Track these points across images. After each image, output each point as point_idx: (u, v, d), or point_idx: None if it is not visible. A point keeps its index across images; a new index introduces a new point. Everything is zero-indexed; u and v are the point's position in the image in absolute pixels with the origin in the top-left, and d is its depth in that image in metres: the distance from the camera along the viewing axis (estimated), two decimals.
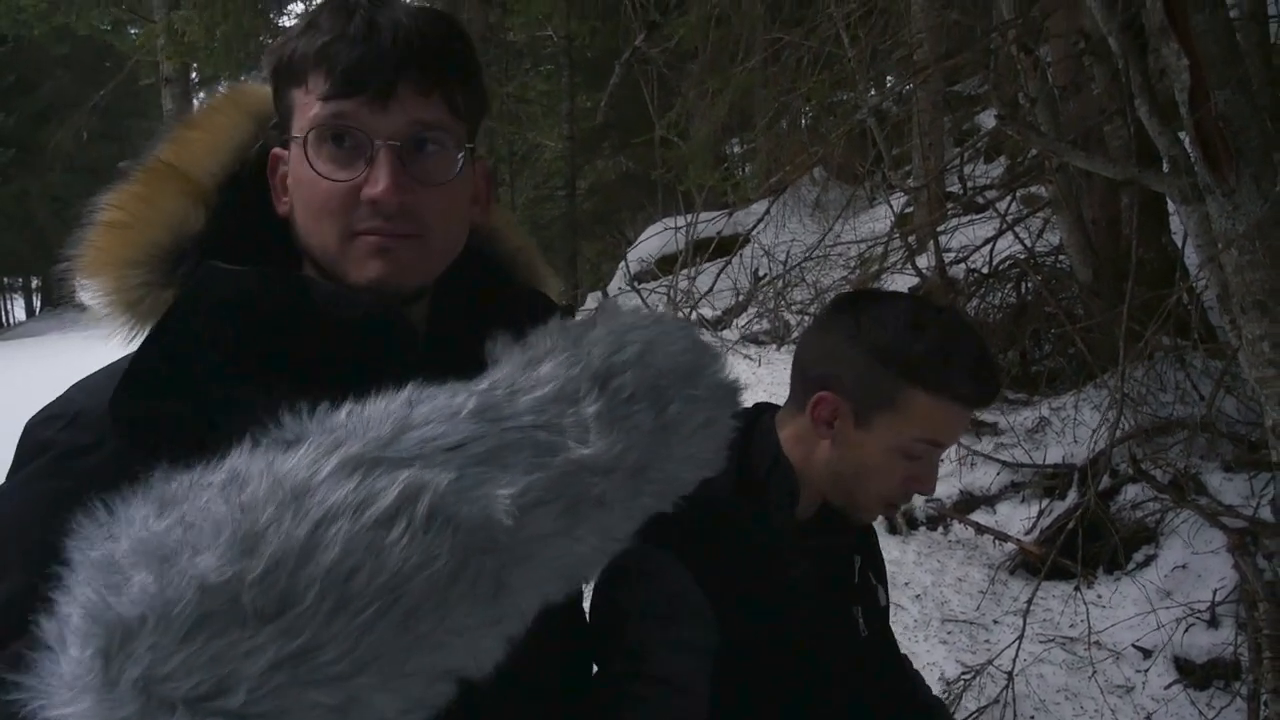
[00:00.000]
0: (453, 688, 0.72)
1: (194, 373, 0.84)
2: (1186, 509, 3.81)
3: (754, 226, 7.84)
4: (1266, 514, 3.47)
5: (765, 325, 7.49)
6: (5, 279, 31.26)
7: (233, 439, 0.74)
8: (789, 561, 1.30)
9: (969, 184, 6.74)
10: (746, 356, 6.68)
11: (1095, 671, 3.49)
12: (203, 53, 9.91)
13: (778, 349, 6.98)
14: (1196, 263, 3.39)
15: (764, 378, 6.04)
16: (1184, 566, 3.75)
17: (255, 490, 0.68)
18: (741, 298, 8.11)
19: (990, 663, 3.49)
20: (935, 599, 4.11)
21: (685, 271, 8.03)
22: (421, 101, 0.90)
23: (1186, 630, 3.48)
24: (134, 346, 0.88)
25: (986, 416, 4.82)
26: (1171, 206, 4.03)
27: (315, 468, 0.70)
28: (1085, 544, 3.85)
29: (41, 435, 0.88)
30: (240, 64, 10.44)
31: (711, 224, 7.68)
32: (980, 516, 4.50)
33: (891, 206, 7.59)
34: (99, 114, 14.16)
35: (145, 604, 0.63)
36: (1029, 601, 3.57)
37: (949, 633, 3.89)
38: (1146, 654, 3.55)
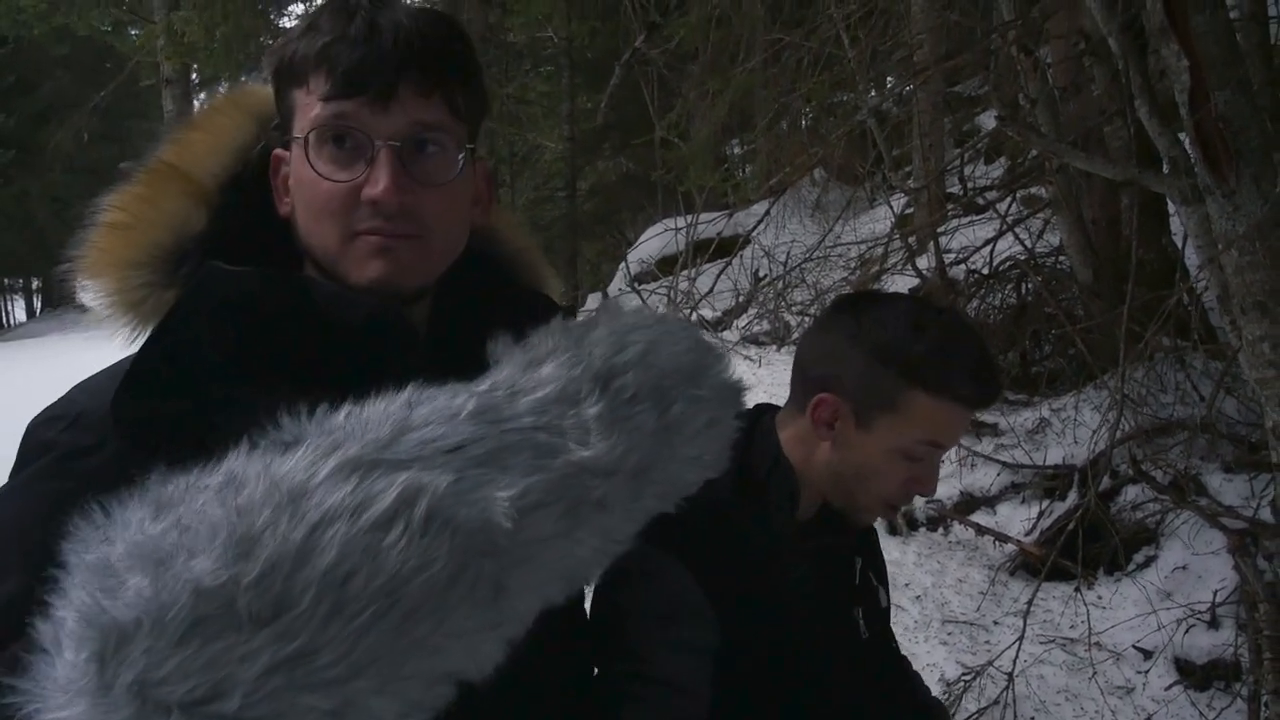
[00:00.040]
0: (452, 690, 0.72)
1: (195, 373, 0.84)
2: (1187, 510, 3.81)
3: (754, 227, 7.84)
4: (1267, 515, 3.47)
5: (765, 326, 7.50)
6: (5, 280, 31.26)
7: (234, 440, 0.74)
8: (789, 563, 1.30)
9: (969, 185, 6.74)
10: (747, 357, 6.68)
11: (1095, 672, 3.49)
12: (202, 53, 9.90)
13: (778, 350, 6.98)
14: (1197, 263, 3.39)
15: (764, 379, 6.04)
16: (1184, 567, 3.75)
17: (252, 493, 0.68)
18: (742, 299, 8.11)
19: (990, 664, 3.49)
20: (935, 600, 4.11)
21: (685, 272, 8.03)
22: (422, 102, 0.91)
23: (1187, 631, 3.48)
24: (136, 347, 0.88)
25: (987, 417, 4.82)
26: (1172, 207, 4.03)
27: (313, 470, 0.70)
28: (1085, 545, 3.85)
29: (44, 436, 0.88)
30: (240, 65, 10.43)
31: (712, 225, 7.69)
32: (980, 517, 4.50)
33: (892, 207, 7.59)
34: (99, 115, 14.16)
35: (140, 608, 0.62)
36: (1029, 602, 3.57)
37: (949, 634, 3.89)
38: (1147, 655, 3.55)
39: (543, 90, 14.46)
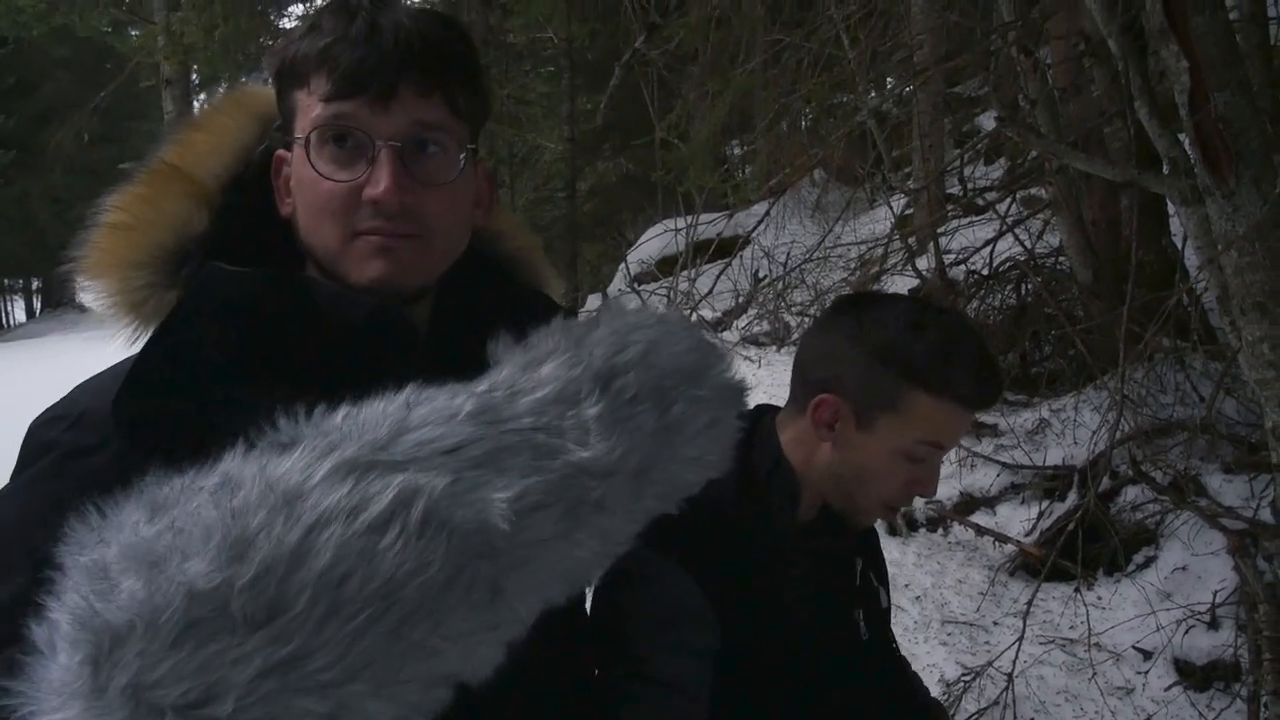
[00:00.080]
0: (450, 693, 0.72)
1: (197, 374, 0.84)
2: (1186, 511, 3.81)
3: (754, 228, 7.84)
4: (1267, 516, 3.47)
5: (765, 327, 7.50)
6: (6, 280, 31.24)
7: (235, 440, 0.74)
8: (790, 564, 1.30)
9: (969, 186, 6.74)
10: (746, 358, 6.68)
11: (1095, 673, 3.49)
12: (201, 54, 9.90)
13: (778, 351, 6.98)
14: (1196, 264, 3.39)
15: (764, 379, 6.04)
16: (1184, 568, 3.75)
17: (247, 495, 0.68)
18: (741, 299, 8.11)
19: (990, 664, 3.49)
20: (935, 600, 4.11)
21: (685, 273, 8.03)
22: (423, 102, 0.91)
23: (1186, 632, 3.48)
24: (137, 348, 0.88)
25: (986, 418, 4.82)
26: (1171, 208, 4.02)
27: (309, 472, 0.70)
28: (1085, 546, 3.85)
29: (46, 436, 0.88)
30: (239, 65, 10.44)
31: (711, 225, 7.68)
32: (980, 518, 4.50)
33: (891, 208, 7.59)
34: (99, 116, 14.16)
35: (133, 610, 0.62)
36: (1029, 603, 3.57)
37: (949, 634, 3.89)
38: (1146, 656, 3.55)
39: (543, 91, 14.45)
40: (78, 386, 0.93)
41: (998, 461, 4.62)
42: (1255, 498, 3.66)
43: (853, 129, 6.61)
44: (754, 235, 7.86)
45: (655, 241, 9.67)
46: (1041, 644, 3.70)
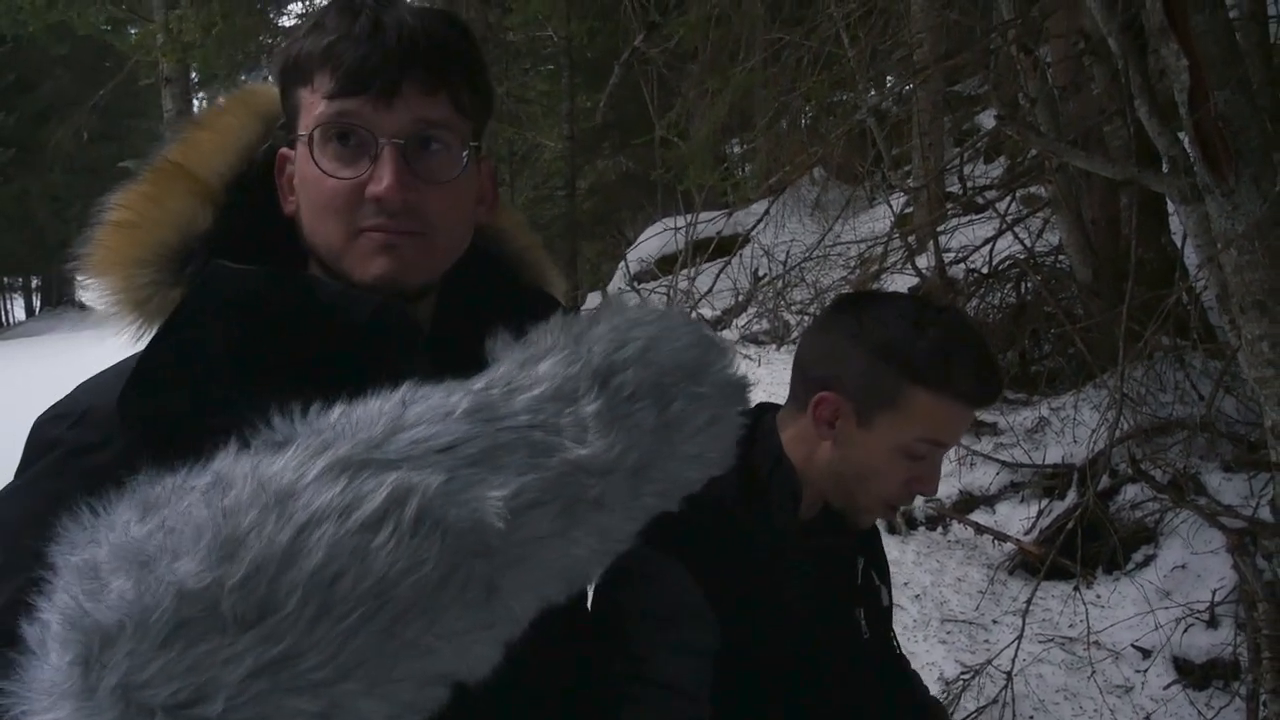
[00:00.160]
0: (445, 692, 0.72)
1: (201, 371, 0.84)
2: (1186, 509, 3.81)
3: (754, 226, 7.84)
4: (1266, 514, 3.47)
5: (765, 325, 7.49)
6: (5, 279, 31.23)
7: (238, 438, 0.74)
8: (791, 563, 1.30)
9: (969, 184, 6.73)
10: (746, 357, 6.68)
11: (1094, 671, 3.49)
12: (199, 52, 9.89)
13: (777, 349, 6.98)
14: (1196, 263, 3.39)
15: (764, 378, 6.04)
16: (1183, 566, 3.75)
17: (239, 494, 0.68)
18: (741, 298, 8.11)
19: (989, 663, 3.49)
20: (934, 599, 4.11)
21: (685, 271, 8.02)
22: (426, 100, 0.91)
23: (1185, 630, 3.49)
24: (141, 345, 0.88)
25: (986, 416, 4.83)
26: (1171, 206, 4.03)
27: (301, 471, 0.70)
28: (1084, 544, 3.85)
29: (49, 433, 0.88)
30: (238, 64, 10.42)
31: (711, 224, 7.68)
32: (979, 516, 4.50)
33: (891, 206, 7.58)
34: (99, 114, 14.14)
35: (123, 610, 0.63)
36: (1028, 601, 3.57)
37: (948, 633, 3.89)
38: (1146, 654, 3.56)
39: (542, 89, 14.44)
40: (81, 385, 0.93)
41: (997, 460, 4.62)
42: (1254, 496, 3.66)
43: (852, 127, 6.61)
44: (753, 234, 7.87)
45: (655, 240, 9.66)
46: (1041, 642, 3.71)
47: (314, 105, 0.91)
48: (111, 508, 0.69)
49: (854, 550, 1.43)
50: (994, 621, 3.96)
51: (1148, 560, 3.92)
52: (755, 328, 7.55)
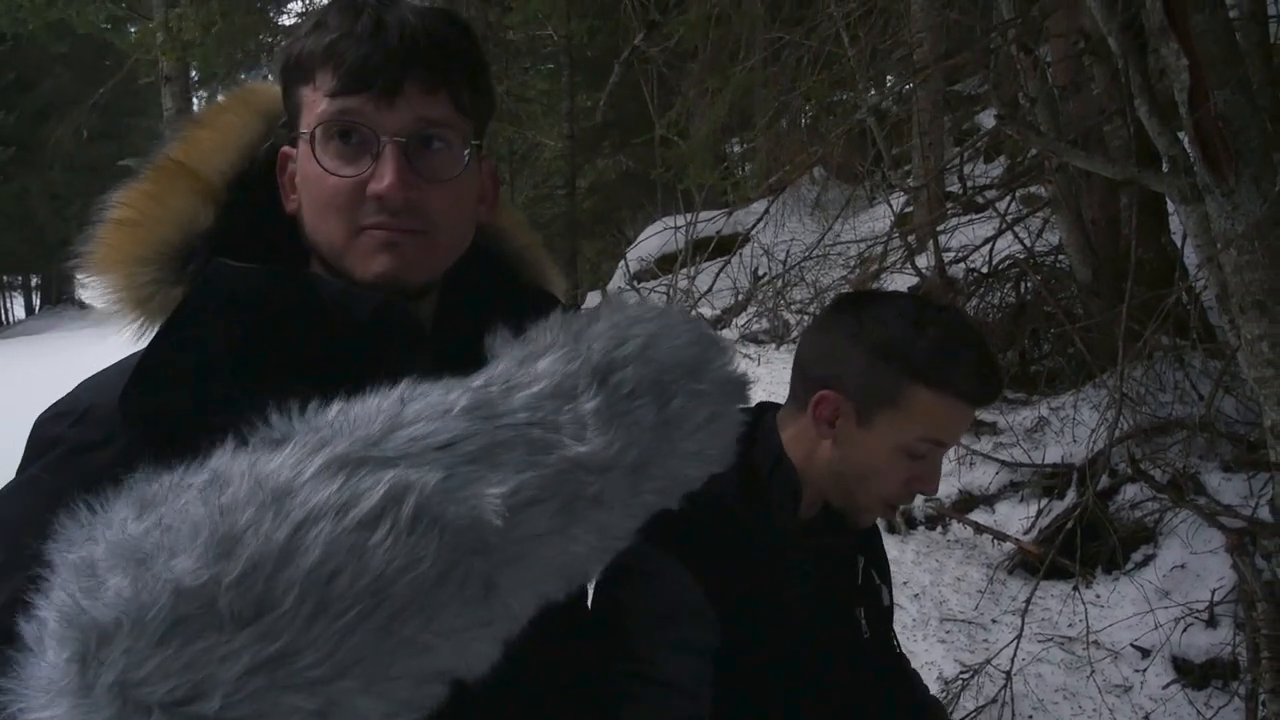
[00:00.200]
0: (443, 690, 0.72)
1: (203, 369, 0.84)
2: (1185, 509, 3.81)
3: (753, 226, 7.85)
4: (1265, 514, 3.47)
5: (765, 324, 7.49)
6: (5, 277, 31.24)
7: (239, 436, 0.74)
8: (791, 562, 1.30)
9: (968, 184, 6.73)
10: (746, 356, 6.68)
11: (1093, 671, 3.49)
12: (198, 50, 9.89)
13: (777, 348, 6.98)
14: (1196, 263, 3.40)
15: (763, 377, 6.05)
16: (1182, 566, 3.75)
17: (236, 492, 0.68)
18: (741, 297, 8.11)
19: (988, 662, 3.49)
20: (934, 598, 4.11)
21: (685, 271, 8.03)
22: (428, 99, 0.91)
23: (1185, 630, 3.49)
24: (143, 344, 0.88)
25: (986, 416, 4.83)
26: (1171, 206, 4.03)
27: (299, 468, 0.70)
28: (1084, 544, 3.85)
29: (51, 432, 0.88)
30: (238, 62, 10.43)
31: (711, 223, 7.68)
32: (979, 516, 4.50)
33: (891, 206, 7.59)
34: (99, 112, 14.15)
35: (120, 608, 0.63)
36: (1027, 601, 3.57)
37: (947, 632, 3.89)
38: (1145, 654, 3.56)
39: (542, 88, 14.44)
40: (82, 383, 0.93)
41: (997, 459, 4.63)
42: (1254, 496, 3.66)
43: (852, 127, 6.62)
44: (753, 233, 7.87)
45: (655, 239, 9.67)
46: (1040, 642, 3.71)
47: (316, 103, 0.91)
48: (109, 505, 0.69)
49: (854, 549, 1.43)
50: (993, 621, 3.96)
51: (1147, 560, 3.92)
52: (755, 327, 7.56)
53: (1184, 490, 3.86)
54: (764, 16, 6.61)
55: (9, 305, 32.57)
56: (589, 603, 1.20)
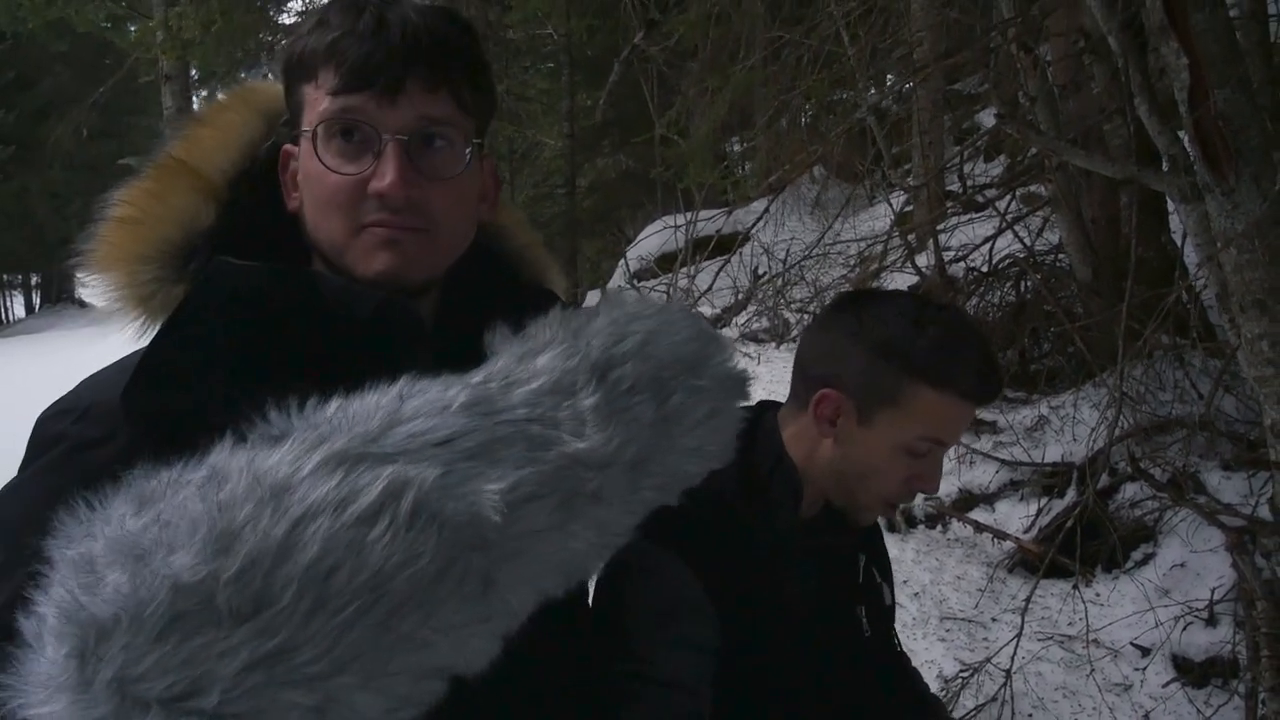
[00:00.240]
0: (442, 685, 0.72)
1: (204, 367, 0.84)
2: (1185, 507, 3.81)
3: (753, 225, 7.85)
4: (1265, 513, 3.47)
5: (765, 323, 7.49)
6: (5, 276, 31.24)
7: (235, 432, 0.74)
8: (791, 561, 1.30)
9: (968, 182, 6.73)
10: (746, 355, 6.68)
11: (1093, 669, 3.49)
12: (198, 49, 9.89)
13: (777, 347, 6.98)
14: (1196, 261, 3.40)
15: (763, 376, 6.05)
16: (1182, 565, 3.75)
17: (234, 488, 0.68)
18: (741, 296, 8.11)
19: (988, 661, 3.49)
20: (934, 597, 4.11)
21: (685, 269, 8.03)
22: (429, 97, 0.91)
23: (1185, 628, 3.49)
24: (145, 342, 0.88)
25: (985, 415, 4.83)
26: (1171, 205, 4.03)
27: (297, 465, 0.70)
28: (1084, 542, 3.85)
29: (53, 429, 0.88)
30: (237, 61, 10.42)
31: (711, 222, 7.69)
32: (979, 515, 4.50)
33: (891, 205, 7.59)
34: (98, 111, 14.15)
35: (118, 604, 0.63)
36: (1027, 599, 3.58)
37: (947, 630, 3.89)
38: (1145, 652, 3.56)
39: (542, 87, 14.44)
40: (84, 381, 0.93)
41: (997, 458, 4.62)
42: (1254, 495, 3.66)
43: (852, 126, 6.62)
44: (753, 232, 7.88)
45: (655, 238, 9.66)
46: (1040, 640, 3.71)
47: (318, 101, 0.92)
48: (108, 502, 0.69)
49: (856, 548, 1.43)
50: (993, 619, 3.96)
51: (1147, 558, 3.92)
52: (755, 326, 7.56)
53: (1184, 489, 3.86)
54: (764, 15, 6.61)
55: (9, 304, 32.57)
56: (589, 601, 1.20)
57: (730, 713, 1.18)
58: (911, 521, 4.70)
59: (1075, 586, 3.87)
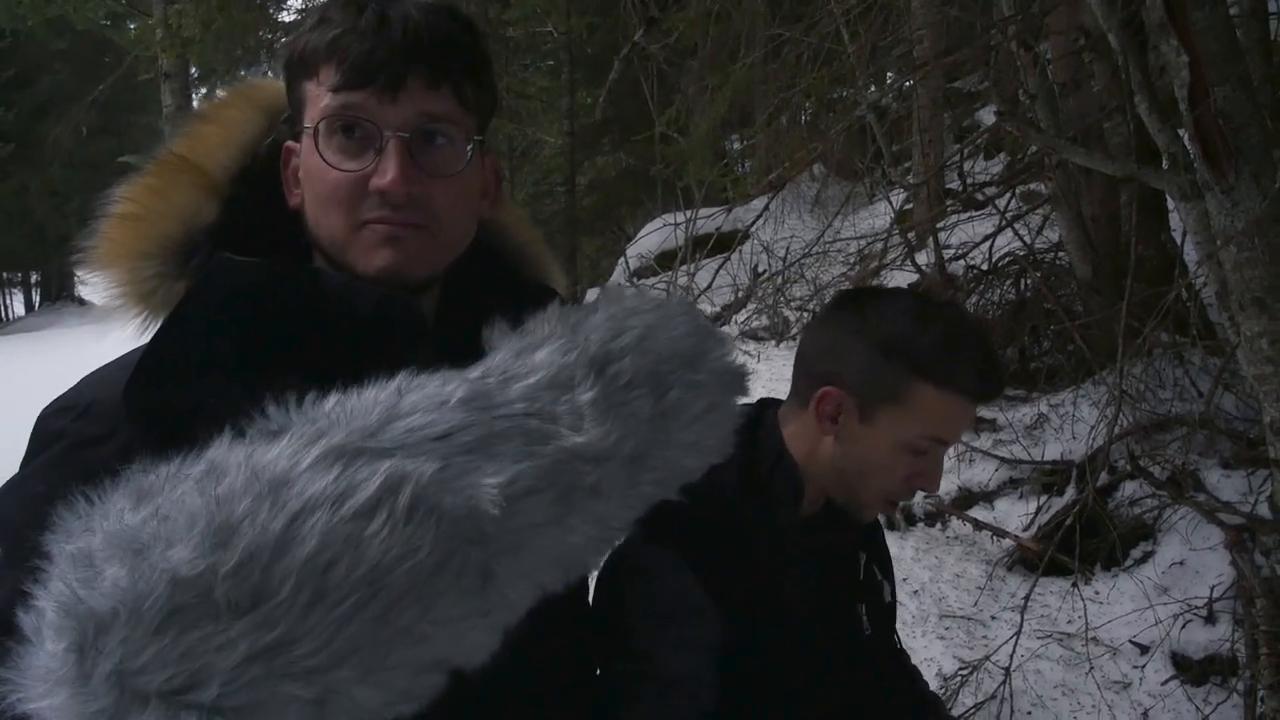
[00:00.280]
0: (442, 679, 0.72)
1: (206, 363, 0.84)
2: (1184, 505, 3.81)
3: (753, 223, 7.84)
4: (1264, 511, 3.47)
5: (764, 321, 7.50)
6: (4, 274, 31.24)
7: (234, 427, 0.74)
8: (792, 559, 1.30)
9: (968, 180, 6.72)
10: (746, 353, 6.68)
11: (1092, 667, 3.49)
12: (197, 47, 9.88)
13: (777, 345, 6.99)
14: (1195, 260, 3.40)
15: (763, 374, 6.05)
16: (1181, 563, 3.75)
17: (232, 482, 0.68)
18: (741, 294, 8.10)
19: (988, 658, 3.50)
20: (933, 595, 4.12)
21: (685, 267, 8.03)
22: (430, 94, 0.91)
23: (1184, 626, 3.49)
24: (146, 339, 0.88)
25: (985, 413, 4.82)
26: (1171, 203, 4.03)
27: (295, 459, 0.70)
28: (1083, 540, 3.85)
29: (54, 426, 0.88)
30: (237, 59, 10.41)
31: (711, 220, 7.69)
32: (978, 513, 4.50)
33: (891, 203, 7.59)
34: (98, 109, 14.17)
35: (117, 598, 0.63)
36: (1026, 597, 3.58)
37: (947, 628, 3.90)
38: (1144, 650, 3.56)
39: (542, 85, 14.44)
40: (85, 378, 0.93)
41: (996, 456, 4.63)
42: (1253, 493, 3.66)
43: (852, 124, 6.62)
44: (753, 230, 7.87)
45: (654, 236, 9.66)
46: (1039, 638, 3.71)
47: (319, 98, 0.92)
48: (106, 497, 0.69)
49: (856, 546, 1.43)
50: (992, 617, 3.96)
51: (1146, 556, 3.92)
52: (755, 324, 7.56)
53: (1183, 487, 3.86)
54: (764, 13, 6.61)
55: (9, 302, 32.57)
56: (591, 602, 1.20)
57: (730, 711, 1.18)
58: (911, 519, 4.70)
59: (1074, 584, 3.87)
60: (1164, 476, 4.00)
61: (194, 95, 12.54)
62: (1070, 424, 4.53)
